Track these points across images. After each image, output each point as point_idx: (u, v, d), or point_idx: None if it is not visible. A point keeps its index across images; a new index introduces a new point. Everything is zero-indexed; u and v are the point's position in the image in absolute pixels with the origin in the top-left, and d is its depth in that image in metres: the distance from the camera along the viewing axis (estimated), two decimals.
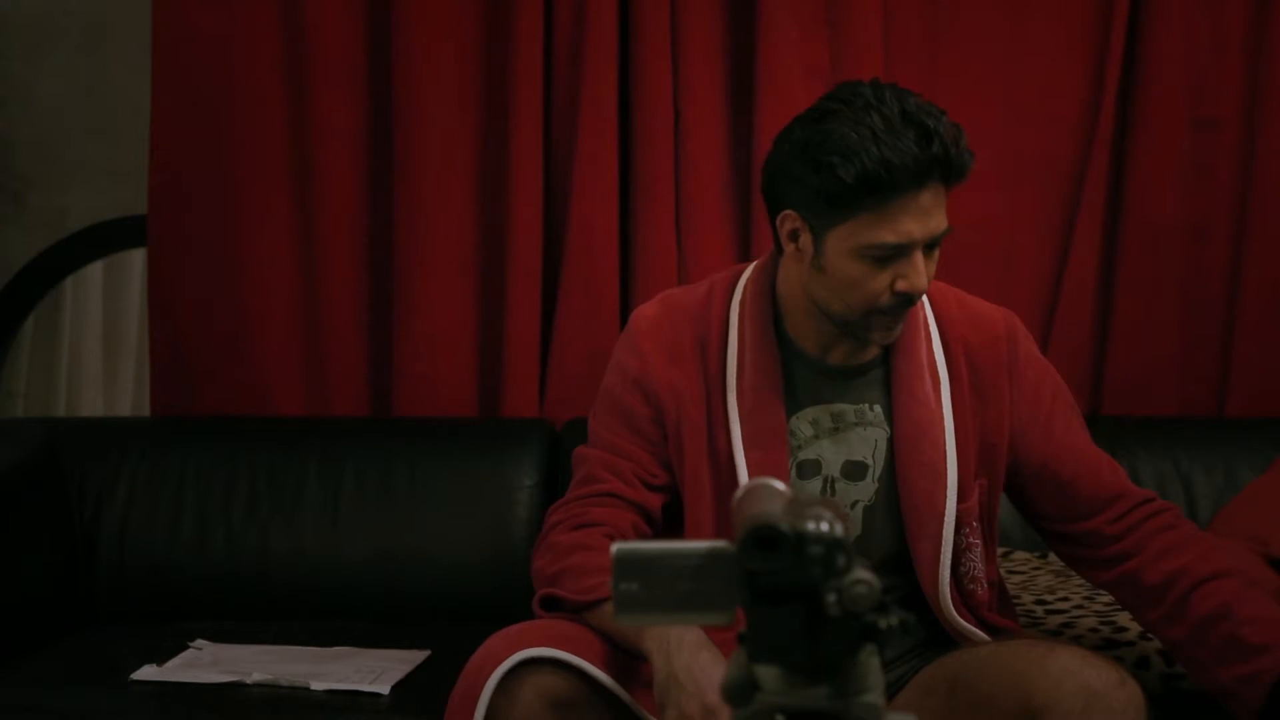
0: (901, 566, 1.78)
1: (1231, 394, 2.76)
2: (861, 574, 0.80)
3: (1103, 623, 2.09)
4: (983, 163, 2.72)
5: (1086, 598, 2.18)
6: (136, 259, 3.17)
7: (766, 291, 1.81)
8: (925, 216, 1.65)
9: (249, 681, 2.13)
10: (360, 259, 2.82)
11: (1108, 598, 2.17)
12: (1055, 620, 2.10)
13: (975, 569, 1.79)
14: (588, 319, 2.73)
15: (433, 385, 2.78)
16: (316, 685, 2.11)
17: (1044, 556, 2.42)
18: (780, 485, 0.92)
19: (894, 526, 1.77)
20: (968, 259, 2.73)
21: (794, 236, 1.73)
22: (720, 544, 0.85)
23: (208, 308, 2.81)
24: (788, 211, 1.72)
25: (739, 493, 0.94)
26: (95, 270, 3.24)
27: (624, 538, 1.73)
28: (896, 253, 1.66)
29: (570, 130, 2.74)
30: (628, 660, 1.68)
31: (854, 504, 1.78)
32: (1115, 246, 2.77)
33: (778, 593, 0.81)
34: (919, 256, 1.67)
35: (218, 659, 2.25)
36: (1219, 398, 2.78)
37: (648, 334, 1.82)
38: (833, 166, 1.63)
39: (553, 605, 1.72)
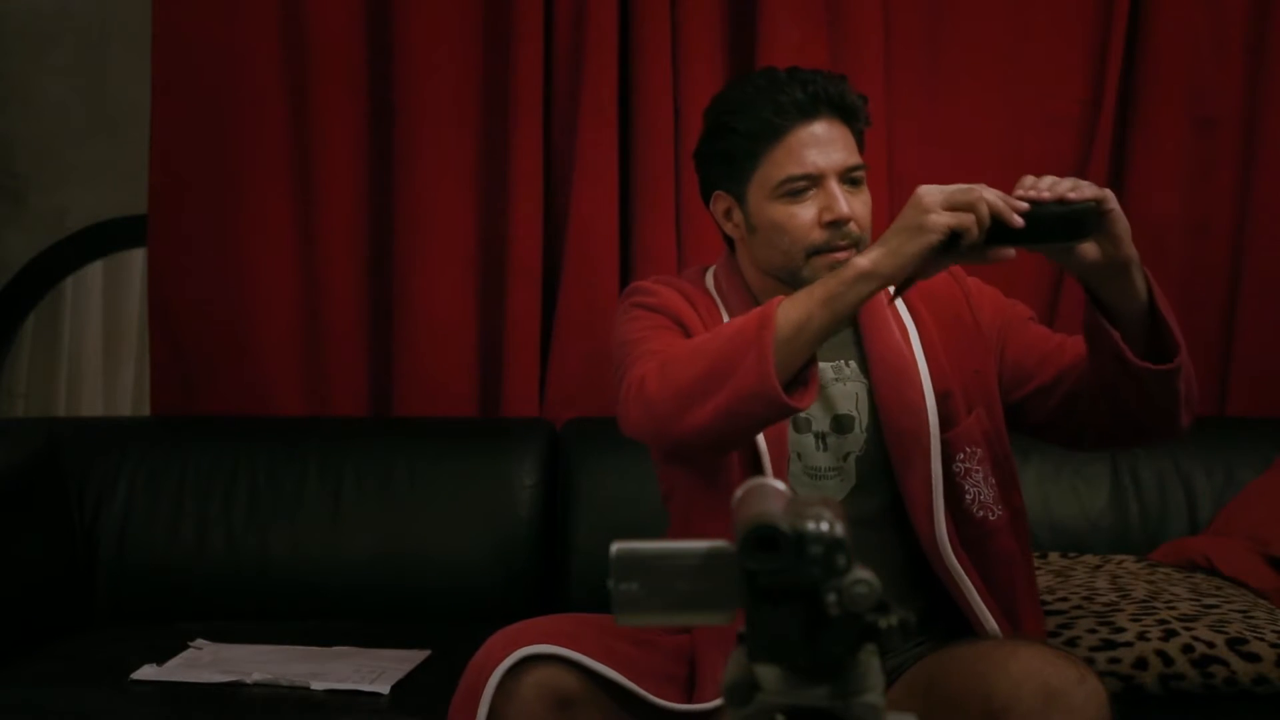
0: (899, 514, 1.81)
1: (1231, 394, 2.76)
2: (861, 574, 0.80)
3: (1100, 623, 2.09)
4: (983, 162, 2.77)
5: (1085, 598, 2.18)
6: (136, 259, 3.17)
7: (738, 280, 1.90)
8: (826, 147, 1.77)
9: (249, 681, 2.13)
10: (360, 259, 2.82)
11: (1107, 598, 2.17)
12: (1053, 621, 2.10)
13: (982, 494, 1.82)
14: (588, 319, 2.73)
15: (433, 385, 2.78)
16: (316, 685, 2.11)
17: (1043, 556, 2.42)
18: (780, 485, 0.92)
19: (886, 472, 1.82)
20: None
21: (728, 215, 1.87)
22: (720, 544, 0.85)
23: (208, 308, 2.81)
24: (716, 193, 1.87)
25: (739, 492, 0.94)
26: (95, 270, 3.24)
27: None
28: (809, 184, 1.78)
29: (570, 130, 2.74)
30: (631, 653, 1.68)
31: (846, 455, 1.83)
32: None
33: (778, 593, 0.81)
34: (834, 186, 1.77)
35: (218, 659, 2.25)
36: (1219, 398, 2.78)
37: (657, 284, 1.92)
38: (728, 124, 1.81)
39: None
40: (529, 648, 1.61)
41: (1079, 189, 1.59)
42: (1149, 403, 1.68)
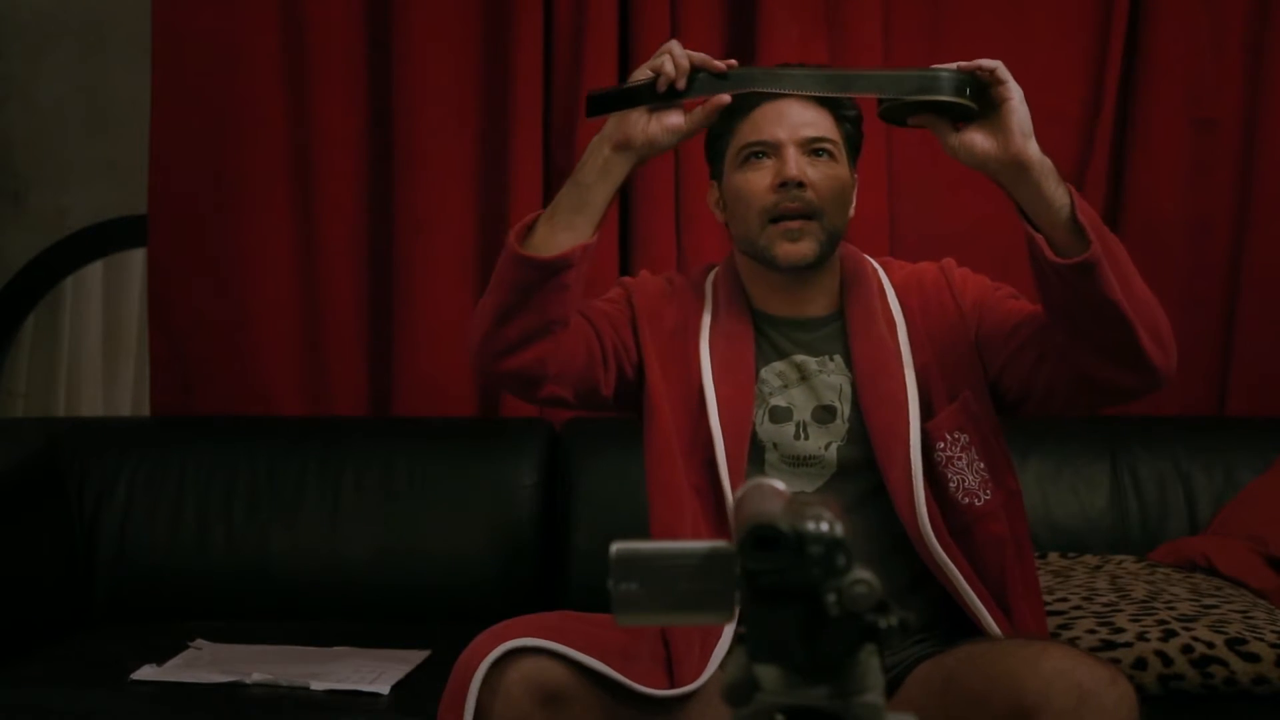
0: (883, 502, 1.81)
1: (1231, 394, 2.76)
2: (861, 574, 0.80)
3: (1100, 624, 2.09)
4: None
5: (1085, 599, 2.18)
6: (136, 259, 3.18)
7: (733, 271, 1.96)
8: (789, 119, 1.84)
9: (249, 681, 2.13)
10: (360, 259, 2.82)
11: (1106, 599, 2.17)
12: (1053, 621, 2.10)
13: (967, 481, 1.82)
14: None
15: (433, 385, 2.78)
16: (316, 685, 2.11)
17: (1043, 556, 2.42)
18: (780, 485, 0.92)
19: (868, 461, 1.83)
20: (968, 259, 2.73)
21: (717, 203, 1.95)
22: (720, 544, 0.85)
23: (208, 308, 2.82)
24: (710, 183, 1.96)
25: (739, 493, 0.95)
26: (95, 270, 3.25)
27: (576, 326, 1.83)
28: (767, 151, 1.84)
29: (570, 130, 2.74)
30: (619, 639, 1.69)
31: (827, 445, 1.85)
32: None
33: (778, 593, 0.81)
34: (790, 152, 1.82)
35: (218, 659, 2.25)
36: (1219, 398, 2.78)
37: (644, 277, 2.01)
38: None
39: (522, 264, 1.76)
40: (513, 641, 1.62)
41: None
42: (1095, 316, 1.65)
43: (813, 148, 1.84)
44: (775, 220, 1.83)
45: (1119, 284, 1.64)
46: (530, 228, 1.78)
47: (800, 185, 1.81)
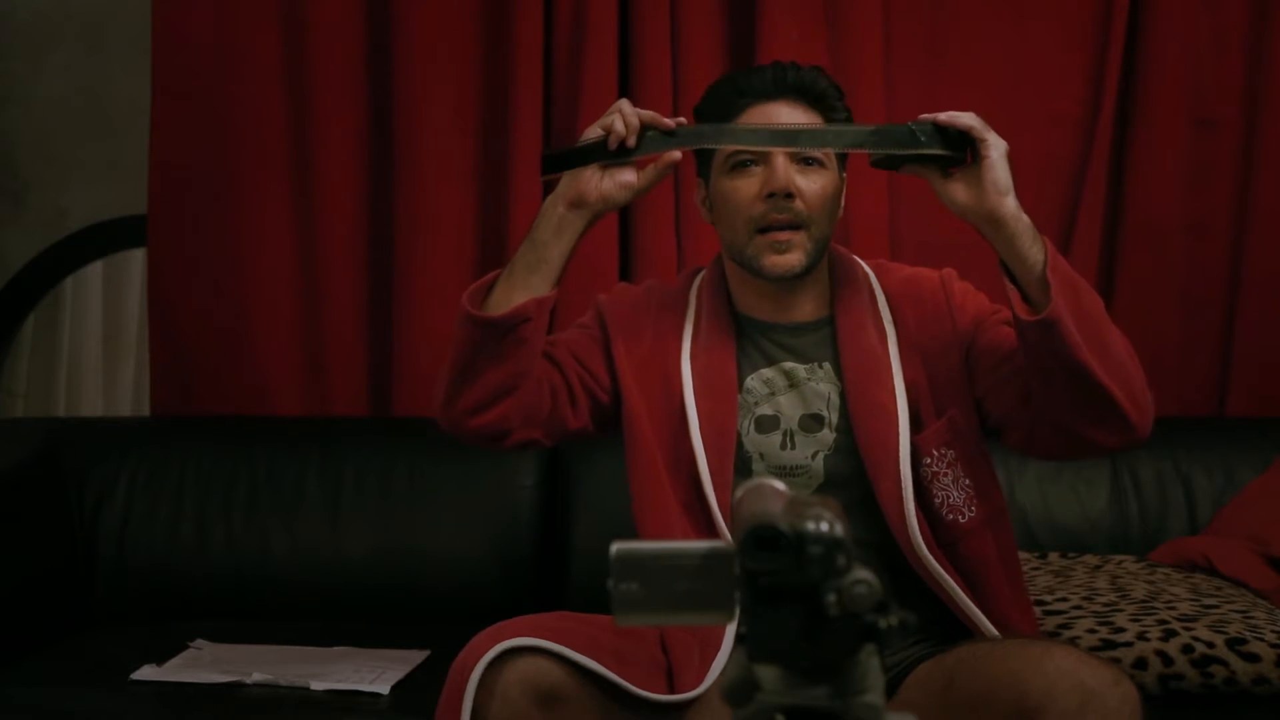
0: (870, 512, 1.80)
1: (1231, 394, 2.76)
2: (861, 574, 0.80)
3: (1100, 623, 2.09)
4: None
5: (1085, 599, 2.18)
6: (136, 259, 3.18)
7: (719, 275, 1.95)
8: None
9: (249, 681, 2.13)
10: (360, 259, 2.82)
11: (1106, 599, 2.17)
12: (1053, 621, 2.10)
13: (951, 498, 1.82)
14: None
15: (433, 385, 2.77)
16: (316, 685, 2.11)
17: (1043, 556, 2.42)
18: (780, 485, 0.92)
19: (856, 471, 1.82)
20: (968, 259, 2.73)
21: (704, 202, 1.93)
22: (720, 544, 0.85)
23: (208, 308, 2.82)
24: (697, 181, 1.94)
25: (739, 492, 0.95)
26: (95, 270, 3.24)
27: (539, 372, 1.83)
28: (756, 159, 1.82)
29: (570, 131, 2.74)
30: (616, 643, 1.68)
31: (815, 453, 1.84)
32: (1115, 246, 2.78)
33: (778, 593, 0.81)
34: (779, 161, 1.80)
35: (218, 659, 2.25)
36: (1219, 398, 2.79)
37: (620, 291, 2.01)
38: (698, 110, 1.88)
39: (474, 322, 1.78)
40: (510, 641, 1.61)
41: (953, 119, 1.71)
42: (1064, 370, 1.66)
43: (802, 156, 1.82)
44: (763, 230, 1.81)
45: (1086, 342, 1.65)
46: (490, 287, 1.79)
47: (789, 196, 1.80)
